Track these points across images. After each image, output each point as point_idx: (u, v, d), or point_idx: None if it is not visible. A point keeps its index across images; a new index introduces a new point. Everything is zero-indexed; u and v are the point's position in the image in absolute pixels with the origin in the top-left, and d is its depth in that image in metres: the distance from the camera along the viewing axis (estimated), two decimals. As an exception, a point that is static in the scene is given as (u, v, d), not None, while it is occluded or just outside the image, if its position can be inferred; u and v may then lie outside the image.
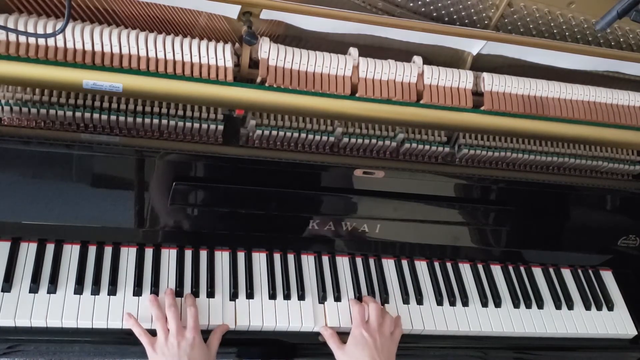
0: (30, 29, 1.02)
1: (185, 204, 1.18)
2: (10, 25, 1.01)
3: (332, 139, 1.22)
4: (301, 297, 1.23)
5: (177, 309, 1.11)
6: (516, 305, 1.34)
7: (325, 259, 1.31)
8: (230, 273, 1.22)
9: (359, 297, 1.26)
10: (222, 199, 1.21)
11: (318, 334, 1.21)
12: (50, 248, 1.16)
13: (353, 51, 1.16)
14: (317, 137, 1.21)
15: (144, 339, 1.08)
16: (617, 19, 0.96)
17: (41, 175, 1.11)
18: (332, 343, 1.17)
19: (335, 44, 1.18)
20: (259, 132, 1.18)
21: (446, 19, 1.24)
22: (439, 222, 1.32)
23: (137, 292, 1.15)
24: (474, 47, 1.24)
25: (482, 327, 1.29)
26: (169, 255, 1.22)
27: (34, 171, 1.10)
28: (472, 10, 1.23)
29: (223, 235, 1.25)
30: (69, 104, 1.11)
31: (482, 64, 1.28)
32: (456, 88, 1.21)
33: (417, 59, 1.20)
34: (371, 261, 1.33)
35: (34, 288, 1.11)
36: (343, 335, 1.18)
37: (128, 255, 1.20)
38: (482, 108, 1.23)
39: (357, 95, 1.16)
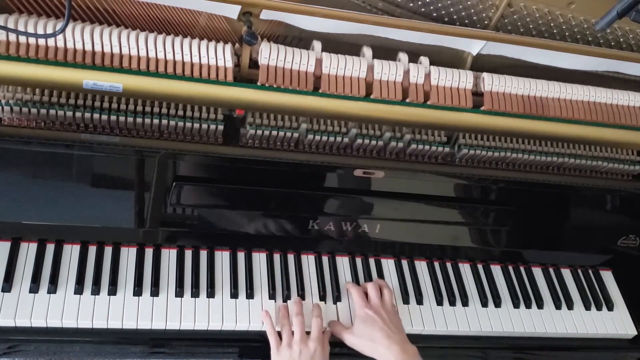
0: (30, 29, 1.02)
1: (185, 204, 1.18)
2: (10, 25, 1.01)
3: (331, 139, 1.22)
4: (301, 297, 1.23)
5: (303, 318, 1.16)
6: (516, 305, 1.34)
7: (325, 259, 1.31)
8: (230, 273, 1.23)
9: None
10: (222, 199, 1.21)
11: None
12: (50, 248, 1.17)
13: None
14: (317, 137, 1.21)
15: (272, 338, 1.14)
16: (617, 19, 0.96)
17: (41, 175, 1.11)
18: (339, 331, 1.18)
19: (336, 44, 1.18)
20: (259, 132, 1.18)
21: (446, 19, 1.24)
22: (439, 222, 1.32)
23: (137, 292, 1.15)
24: (474, 47, 1.24)
25: (482, 327, 1.29)
26: (169, 255, 1.22)
27: (34, 171, 1.10)
28: (472, 11, 1.23)
29: (223, 235, 1.25)
30: (69, 104, 1.11)
31: (482, 64, 1.28)
32: (456, 88, 1.21)
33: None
34: (371, 261, 1.33)
35: (34, 288, 1.11)
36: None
37: (128, 255, 1.20)
38: (482, 108, 1.23)
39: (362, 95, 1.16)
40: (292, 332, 1.14)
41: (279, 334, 1.15)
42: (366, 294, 1.22)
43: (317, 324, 1.15)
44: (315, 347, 1.12)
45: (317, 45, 1.15)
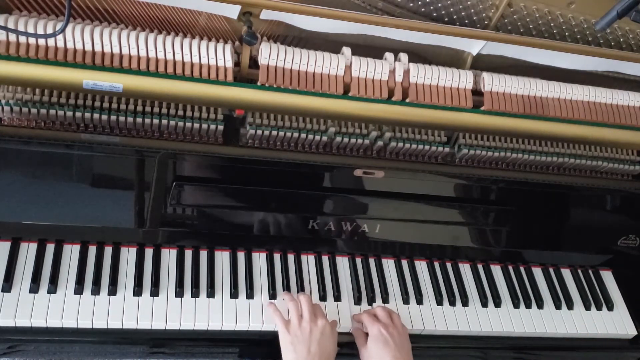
0: (30, 29, 1.02)
1: (185, 204, 1.18)
2: (10, 25, 1.01)
3: (331, 139, 1.22)
4: (301, 297, 1.23)
5: (310, 299, 1.18)
6: (516, 305, 1.34)
7: (325, 259, 1.31)
8: (230, 273, 1.22)
9: (358, 297, 1.26)
10: (222, 199, 1.21)
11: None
12: (50, 248, 1.17)
13: (346, 50, 1.17)
14: (317, 137, 1.21)
15: (278, 319, 1.15)
16: (617, 19, 0.96)
17: (41, 175, 1.11)
18: (358, 341, 1.18)
19: (336, 44, 1.18)
20: (259, 132, 1.18)
21: (446, 19, 1.24)
22: (439, 222, 1.32)
23: (137, 292, 1.15)
24: (474, 47, 1.24)
25: (482, 327, 1.29)
26: (169, 255, 1.22)
27: (34, 171, 1.10)
28: (472, 10, 1.23)
29: (223, 235, 1.25)
30: (69, 104, 1.11)
31: (482, 64, 1.28)
32: (456, 88, 1.21)
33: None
34: (371, 261, 1.33)
35: (34, 288, 1.11)
36: (342, 335, 1.19)
37: (128, 255, 1.20)
38: (482, 108, 1.23)
39: (355, 95, 1.16)
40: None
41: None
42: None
43: (319, 306, 1.18)
44: (324, 323, 1.12)
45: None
